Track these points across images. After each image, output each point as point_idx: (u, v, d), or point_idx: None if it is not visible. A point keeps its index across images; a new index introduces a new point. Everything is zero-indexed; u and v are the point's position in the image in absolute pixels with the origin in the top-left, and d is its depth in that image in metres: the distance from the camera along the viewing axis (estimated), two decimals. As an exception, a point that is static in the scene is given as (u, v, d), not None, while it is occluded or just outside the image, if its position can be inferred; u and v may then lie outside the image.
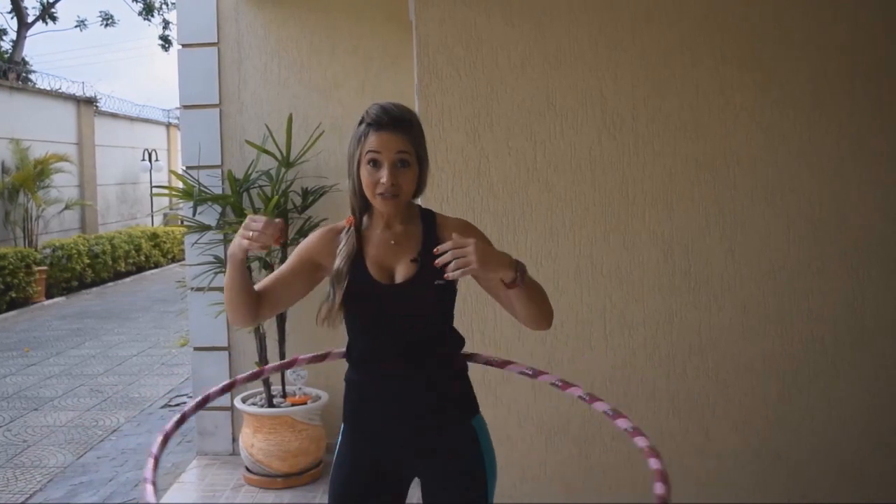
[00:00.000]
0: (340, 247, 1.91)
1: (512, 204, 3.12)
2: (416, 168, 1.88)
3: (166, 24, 20.18)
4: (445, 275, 1.71)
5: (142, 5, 19.77)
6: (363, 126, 1.87)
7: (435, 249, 1.73)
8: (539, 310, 1.88)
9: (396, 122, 1.85)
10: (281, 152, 4.39)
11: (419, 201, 2.07)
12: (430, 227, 1.94)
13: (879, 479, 3.14)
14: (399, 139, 1.84)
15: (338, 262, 1.89)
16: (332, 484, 2.01)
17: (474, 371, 3.12)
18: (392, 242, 1.92)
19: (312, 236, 1.98)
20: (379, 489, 1.97)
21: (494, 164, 3.12)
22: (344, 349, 2.01)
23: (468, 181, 3.11)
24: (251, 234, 1.76)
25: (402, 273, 1.90)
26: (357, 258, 1.89)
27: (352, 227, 1.92)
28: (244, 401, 4.39)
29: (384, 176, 1.82)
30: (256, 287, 1.91)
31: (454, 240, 1.72)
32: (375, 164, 1.84)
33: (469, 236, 1.85)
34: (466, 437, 1.96)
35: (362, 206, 1.92)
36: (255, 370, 2.28)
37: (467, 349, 2.09)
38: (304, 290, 1.95)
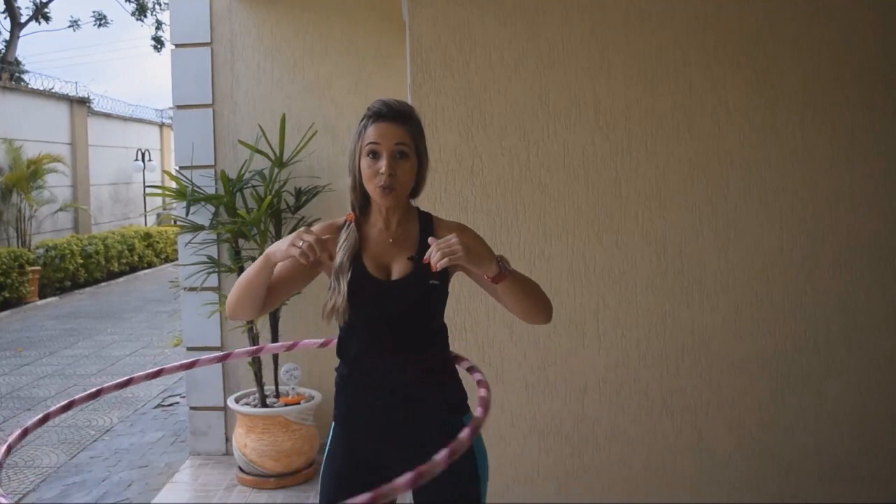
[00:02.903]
0: (341, 242, 1.94)
1: (505, 204, 3.12)
2: (414, 161, 1.92)
3: (159, 24, 20.18)
4: (430, 262, 1.76)
5: (135, 6, 19.75)
6: (364, 120, 1.92)
7: (430, 239, 1.80)
8: (532, 303, 1.95)
9: (396, 114, 1.90)
10: (274, 152, 4.38)
11: (414, 203, 2.08)
12: (428, 228, 1.97)
13: (871, 478, 3.14)
14: (398, 130, 1.89)
15: (340, 256, 1.92)
16: (323, 483, 2.00)
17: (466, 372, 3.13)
18: (390, 241, 1.95)
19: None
20: (371, 488, 1.96)
21: (487, 164, 3.11)
22: (316, 340, 2.06)
23: (461, 181, 3.11)
24: (301, 243, 1.78)
25: (398, 270, 1.93)
26: (356, 254, 1.93)
27: (352, 223, 1.96)
28: (237, 401, 4.38)
29: (383, 166, 1.86)
30: None
31: (442, 237, 1.79)
32: (375, 154, 1.88)
33: (464, 238, 1.88)
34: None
35: (362, 202, 1.96)
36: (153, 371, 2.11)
37: (460, 351, 2.08)
38: (301, 286, 2.03)
